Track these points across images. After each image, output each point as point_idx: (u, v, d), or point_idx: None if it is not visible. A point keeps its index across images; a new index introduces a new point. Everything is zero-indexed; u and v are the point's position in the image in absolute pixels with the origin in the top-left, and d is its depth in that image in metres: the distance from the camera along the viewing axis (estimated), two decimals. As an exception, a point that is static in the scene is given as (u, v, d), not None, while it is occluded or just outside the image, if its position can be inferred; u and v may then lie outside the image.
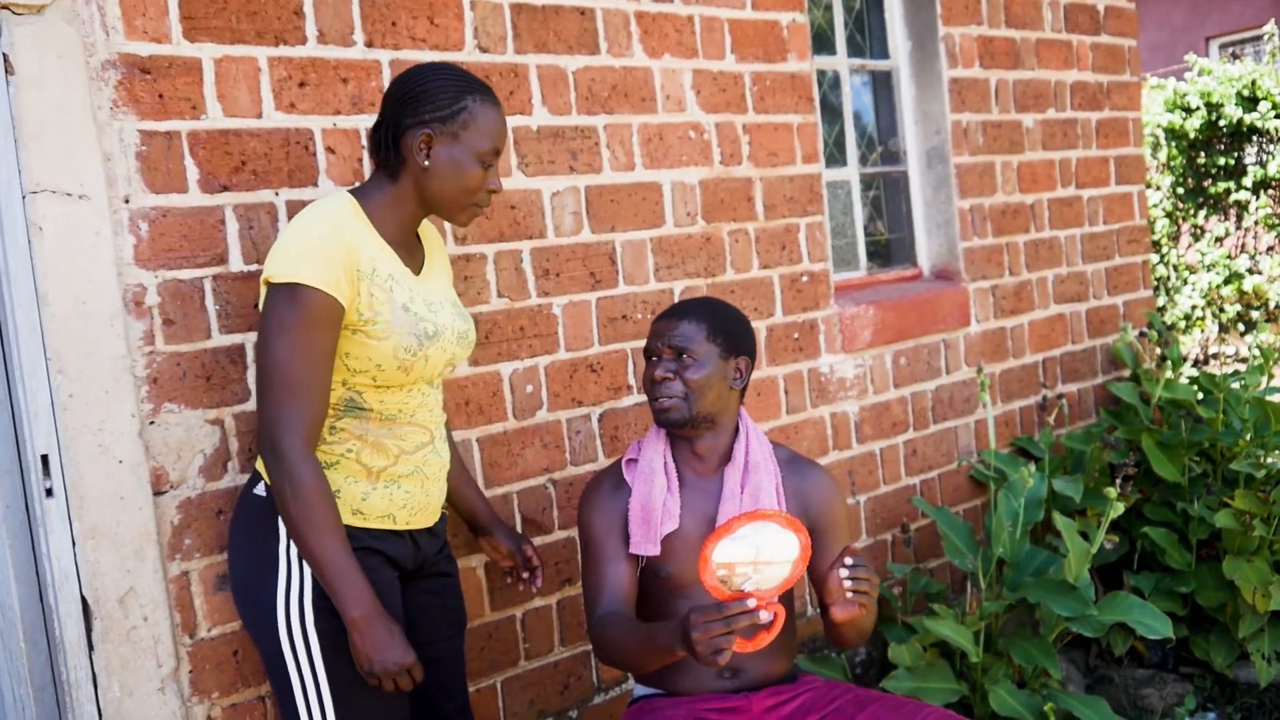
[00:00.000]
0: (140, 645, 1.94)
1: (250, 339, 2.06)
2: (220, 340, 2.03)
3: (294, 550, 1.80)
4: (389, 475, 1.87)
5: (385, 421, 1.86)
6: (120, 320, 1.91)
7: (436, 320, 1.88)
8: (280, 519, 1.80)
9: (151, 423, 1.95)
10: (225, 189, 2.04)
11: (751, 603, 1.65)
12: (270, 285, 1.76)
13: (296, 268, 1.73)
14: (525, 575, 2.27)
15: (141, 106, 1.95)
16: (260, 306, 1.80)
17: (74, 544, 1.88)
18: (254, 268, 2.06)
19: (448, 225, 2.31)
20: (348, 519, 1.83)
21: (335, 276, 1.75)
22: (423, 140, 1.84)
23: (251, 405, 2.05)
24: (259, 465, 1.88)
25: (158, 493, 1.96)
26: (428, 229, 2.07)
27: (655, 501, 2.03)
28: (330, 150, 2.17)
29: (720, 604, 1.66)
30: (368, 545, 1.85)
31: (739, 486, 2.06)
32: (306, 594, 1.79)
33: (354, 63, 2.20)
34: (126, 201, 1.93)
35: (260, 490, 1.85)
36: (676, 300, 2.73)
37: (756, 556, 1.67)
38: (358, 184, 1.93)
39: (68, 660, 1.88)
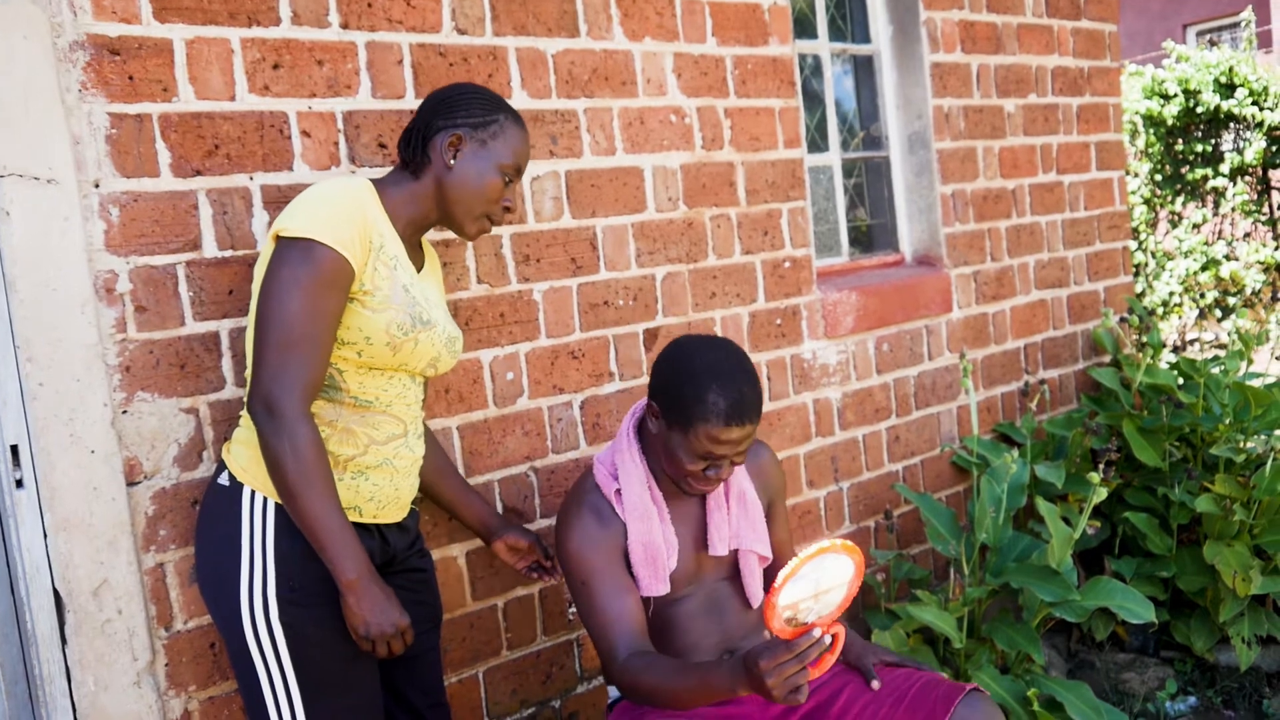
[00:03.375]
0: (115, 638, 1.90)
1: (225, 326, 2.02)
2: (194, 328, 1.99)
3: (256, 540, 1.76)
4: (356, 465, 1.83)
5: (359, 408, 1.83)
6: (91, 307, 1.87)
7: (432, 313, 1.89)
8: (244, 507, 1.77)
9: (124, 412, 1.92)
10: (198, 173, 2.00)
11: (817, 632, 1.61)
12: (282, 240, 1.72)
13: (314, 224, 1.71)
14: (548, 564, 2.27)
15: (111, 88, 1.91)
16: (266, 261, 1.76)
17: (45, 536, 1.84)
18: (228, 254, 2.03)
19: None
20: None
21: (351, 240, 1.73)
22: (452, 141, 1.89)
23: (226, 394, 2.02)
24: (224, 453, 1.85)
25: (131, 483, 1.93)
26: (427, 245, 2.08)
27: (656, 539, 1.97)
28: (305, 134, 2.13)
29: (788, 643, 1.61)
30: None
31: (723, 495, 2.05)
32: (270, 585, 1.75)
33: (329, 44, 2.17)
34: (96, 186, 1.89)
35: (224, 480, 1.82)
36: (658, 283, 2.71)
37: (817, 588, 1.63)
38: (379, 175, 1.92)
39: (40, 654, 1.85)
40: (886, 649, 2.05)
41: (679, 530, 2.02)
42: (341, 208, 1.75)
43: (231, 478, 1.80)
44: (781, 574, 1.59)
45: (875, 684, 1.94)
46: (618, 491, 1.99)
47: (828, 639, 1.63)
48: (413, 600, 1.99)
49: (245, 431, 1.82)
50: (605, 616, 1.91)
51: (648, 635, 1.94)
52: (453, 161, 1.89)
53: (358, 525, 1.85)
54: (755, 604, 2.10)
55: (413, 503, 2.00)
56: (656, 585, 1.97)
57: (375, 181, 1.91)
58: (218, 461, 1.99)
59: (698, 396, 1.86)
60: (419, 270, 1.95)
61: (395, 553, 1.94)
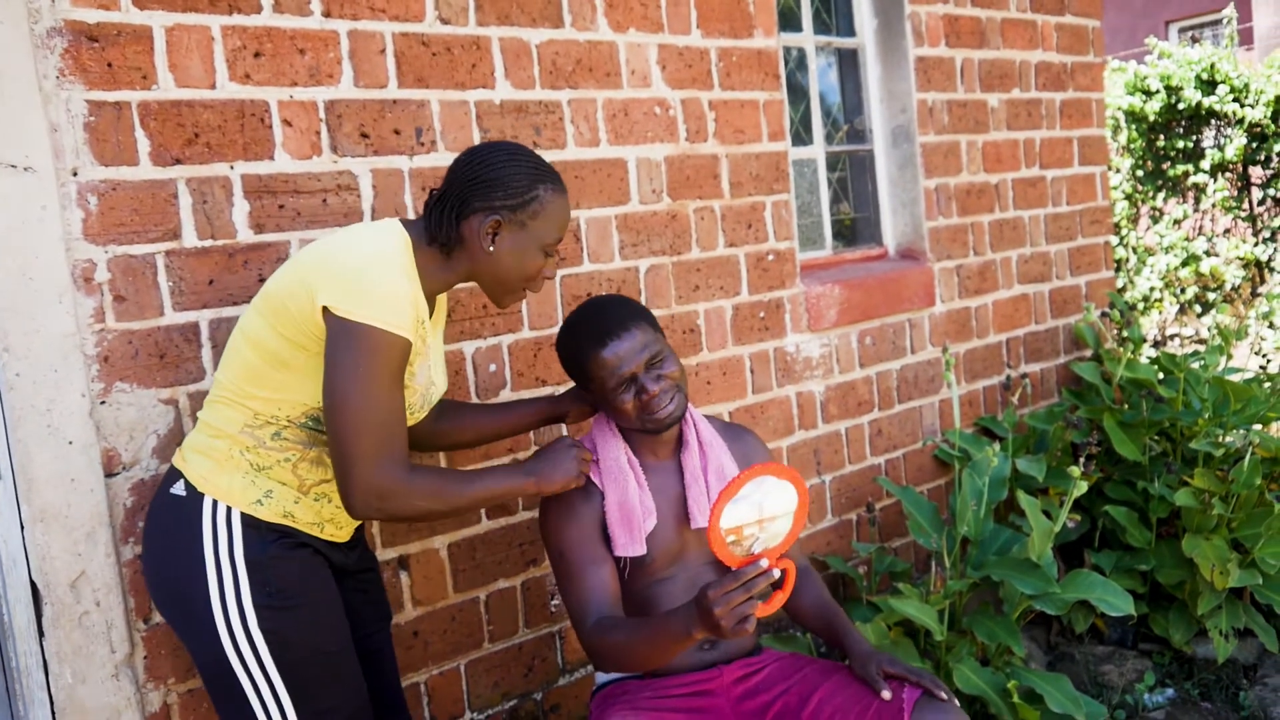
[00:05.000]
0: (93, 631, 1.89)
1: (205, 316, 2.00)
2: (174, 318, 1.97)
3: (223, 551, 1.71)
4: (319, 490, 1.80)
5: None
6: (69, 297, 1.85)
7: (436, 382, 1.87)
8: (205, 517, 1.72)
9: (103, 402, 1.90)
10: (178, 162, 1.98)
11: (764, 563, 1.61)
12: (339, 319, 1.64)
13: (375, 311, 1.64)
14: None
15: (89, 76, 1.88)
16: (303, 316, 1.67)
17: (22, 527, 1.83)
18: (208, 243, 2.01)
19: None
20: (278, 519, 1.75)
21: (409, 322, 1.68)
22: (490, 227, 1.79)
23: (205, 384, 2.00)
24: (176, 461, 1.78)
25: (110, 474, 1.91)
26: None
27: (633, 500, 2.00)
28: (286, 123, 2.11)
29: (735, 571, 1.62)
30: (300, 541, 1.78)
31: (700, 469, 2.08)
32: (244, 593, 1.70)
33: (311, 33, 2.15)
34: (74, 174, 1.87)
35: (179, 489, 1.75)
36: (641, 275, 2.70)
37: (760, 514, 1.63)
38: (408, 220, 1.84)
39: (17, 646, 1.83)
40: (893, 658, 1.99)
41: (658, 500, 2.05)
42: (398, 286, 1.67)
43: (189, 486, 1.74)
44: (721, 492, 1.61)
45: (886, 694, 1.90)
46: (595, 463, 2.05)
47: (777, 573, 1.63)
48: (366, 600, 1.98)
49: (204, 439, 1.76)
50: (578, 585, 1.96)
51: (620, 605, 1.98)
52: (491, 248, 1.79)
53: (319, 540, 1.82)
54: None
55: None
56: (632, 546, 2.00)
57: (409, 230, 1.80)
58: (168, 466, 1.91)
59: (574, 339, 2.01)
60: (432, 313, 1.88)
61: (349, 563, 1.92)
